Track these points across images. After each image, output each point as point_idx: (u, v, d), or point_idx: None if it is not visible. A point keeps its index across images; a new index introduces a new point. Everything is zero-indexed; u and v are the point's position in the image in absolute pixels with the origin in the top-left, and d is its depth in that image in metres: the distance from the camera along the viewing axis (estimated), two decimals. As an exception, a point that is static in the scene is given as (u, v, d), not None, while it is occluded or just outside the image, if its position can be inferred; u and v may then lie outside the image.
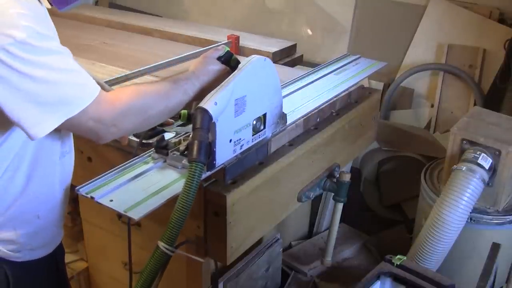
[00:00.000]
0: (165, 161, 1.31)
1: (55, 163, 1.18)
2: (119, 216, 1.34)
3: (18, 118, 0.97)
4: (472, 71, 2.61)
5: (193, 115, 1.16)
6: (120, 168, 1.27)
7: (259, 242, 1.79)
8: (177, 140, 1.38)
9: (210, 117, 1.15)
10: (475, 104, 2.54)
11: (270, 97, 1.36)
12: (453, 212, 1.64)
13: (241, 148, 1.32)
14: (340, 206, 1.63)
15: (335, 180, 1.61)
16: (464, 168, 1.69)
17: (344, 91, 1.80)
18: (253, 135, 1.34)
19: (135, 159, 1.31)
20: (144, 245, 1.50)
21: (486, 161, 1.71)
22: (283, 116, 1.44)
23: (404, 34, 2.79)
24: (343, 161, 1.88)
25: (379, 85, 2.79)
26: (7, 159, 1.09)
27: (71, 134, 1.23)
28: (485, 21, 2.57)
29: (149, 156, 1.33)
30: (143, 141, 1.46)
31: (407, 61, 2.79)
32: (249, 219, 1.42)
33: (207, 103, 1.15)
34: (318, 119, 1.69)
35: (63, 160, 1.21)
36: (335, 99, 1.76)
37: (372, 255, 2.19)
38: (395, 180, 2.59)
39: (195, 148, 1.12)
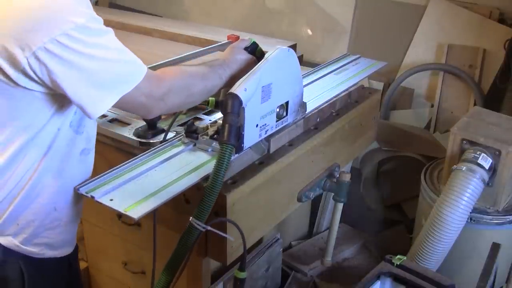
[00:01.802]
0: (194, 145, 1.41)
1: (78, 159, 1.21)
2: (119, 215, 1.35)
3: (79, 98, 1.04)
4: (472, 71, 2.61)
5: (224, 100, 1.24)
6: (120, 168, 1.28)
7: (259, 242, 1.79)
8: (204, 125, 1.47)
9: (240, 102, 1.24)
10: (475, 104, 2.53)
11: (292, 85, 1.46)
12: (453, 212, 1.64)
13: (266, 133, 1.41)
14: (340, 206, 1.63)
15: (335, 180, 1.61)
16: (464, 168, 1.69)
17: (344, 91, 1.80)
18: (276, 121, 1.44)
19: (165, 143, 1.39)
20: (144, 245, 1.50)
21: (486, 161, 1.71)
22: (303, 105, 1.54)
23: (404, 34, 2.79)
24: (343, 161, 1.88)
25: (379, 85, 2.79)
26: (38, 151, 1.12)
27: (95, 133, 1.27)
28: (485, 21, 2.56)
29: (179, 140, 1.43)
30: (143, 140, 1.46)
31: (407, 61, 2.78)
32: (249, 219, 1.42)
33: (238, 89, 1.24)
34: (318, 119, 1.69)
35: (85, 157, 1.24)
36: (335, 99, 1.76)
37: (372, 255, 2.19)
38: (395, 180, 2.59)
39: (226, 130, 1.21)
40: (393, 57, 2.76)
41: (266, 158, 1.48)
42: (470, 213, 1.69)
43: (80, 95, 1.04)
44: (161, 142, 1.42)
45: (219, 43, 2.24)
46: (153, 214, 1.22)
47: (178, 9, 3.51)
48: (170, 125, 1.46)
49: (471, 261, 1.83)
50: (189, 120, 1.55)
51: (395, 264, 1.36)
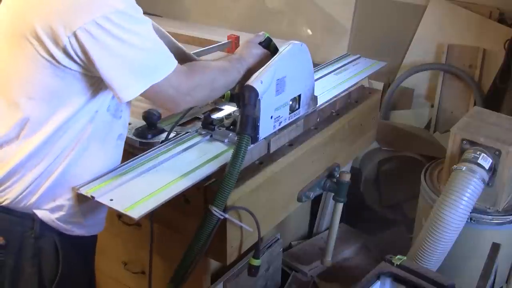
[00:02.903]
0: (211, 136, 1.46)
1: (114, 144, 1.25)
2: (119, 215, 1.35)
3: (111, 80, 1.08)
4: (472, 71, 2.61)
5: (242, 92, 1.30)
6: (121, 168, 1.28)
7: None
8: (220, 118, 1.54)
9: (257, 94, 1.30)
10: (475, 104, 2.53)
11: (305, 79, 1.52)
12: (453, 212, 1.64)
13: (279, 125, 1.47)
14: (340, 206, 1.63)
15: (335, 180, 1.61)
16: (464, 168, 1.68)
17: (344, 91, 1.80)
18: (289, 114, 1.49)
19: (182, 135, 1.44)
20: (144, 245, 1.49)
21: (486, 161, 1.71)
22: (314, 98, 1.60)
23: (404, 34, 2.79)
24: (343, 161, 1.88)
25: (379, 85, 2.79)
26: (75, 131, 1.15)
27: (129, 119, 1.30)
28: (485, 21, 2.56)
29: (196, 131, 1.48)
30: (143, 140, 1.46)
31: (407, 61, 2.79)
32: (249, 219, 1.42)
33: (254, 82, 1.30)
34: (318, 119, 1.69)
35: (121, 143, 1.28)
36: (335, 99, 1.76)
37: (372, 255, 2.19)
38: (395, 180, 2.59)
39: (244, 121, 1.28)
40: (393, 57, 2.76)
41: (266, 158, 1.48)
42: (470, 213, 1.68)
43: (112, 78, 1.08)
44: (161, 142, 1.42)
45: (219, 43, 2.24)
46: (150, 215, 1.22)
47: (178, 9, 3.51)
48: (173, 127, 1.47)
49: (471, 261, 1.83)
50: (181, 119, 1.56)
51: (395, 264, 1.36)
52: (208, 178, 1.32)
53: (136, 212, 1.12)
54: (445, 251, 1.69)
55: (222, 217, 1.24)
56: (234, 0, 3.33)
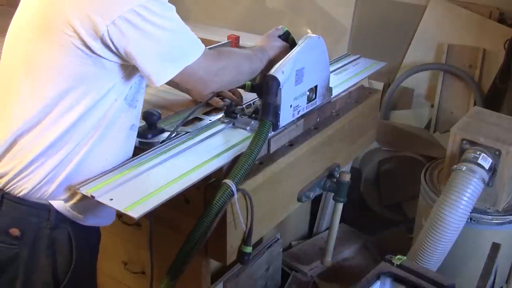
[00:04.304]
0: (233, 124, 1.53)
1: (127, 134, 1.27)
2: (119, 215, 1.35)
3: (147, 65, 1.13)
4: (472, 71, 2.61)
5: (264, 81, 1.38)
6: (121, 167, 1.28)
7: (259, 242, 1.79)
8: (241, 107, 1.61)
9: (279, 83, 1.37)
10: (475, 104, 2.53)
11: (321, 71, 1.60)
12: (453, 212, 1.64)
13: (298, 113, 1.54)
14: (340, 206, 1.62)
15: (335, 180, 1.60)
16: (464, 168, 1.68)
17: (344, 91, 1.80)
18: (307, 103, 1.56)
19: (181, 135, 1.45)
20: (144, 245, 1.49)
21: (486, 161, 1.71)
22: (329, 89, 1.67)
23: (404, 34, 2.79)
24: (343, 161, 1.88)
25: (379, 85, 2.79)
26: (95, 119, 1.17)
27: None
28: (485, 21, 2.56)
29: (219, 120, 1.55)
30: (144, 140, 1.46)
31: (407, 61, 2.79)
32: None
33: (276, 72, 1.38)
34: (318, 119, 1.69)
35: (133, 133, 1.30)
36: (335, 99, 1.76)
37: (372, 255, 2.19)
38: (395, 180, 2.59)
39: (266, 109, 1.38)
40: (393, 57, 2.76)
41: (266, 158, 1.48)
42: (470, 213, 1.69)
43: (148, 63, 1.13)
44: (161, 142, 1.42)
45: (219, 43, 2.24)
46: (149, 214, 1.22)
47: (178, 9, 3.49)
48: (177, 127, 1.47)
49: (471, 261, 1.83)
50: (185, 119, 1.56)
51: (395, 264, 1.35)
52: (208, 178, 1.32)
53: (136, 212, 1.12)
54: (445, 251, 1.69)
55: (233, 195, 1.25)
56: (234, 0, 3.33)
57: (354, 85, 1.86)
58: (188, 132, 1.48)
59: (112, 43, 1.09)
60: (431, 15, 2.70)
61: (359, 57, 2.11)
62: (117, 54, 1.12)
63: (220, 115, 1.59)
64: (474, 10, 2.59)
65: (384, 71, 2.44)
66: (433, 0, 2.68)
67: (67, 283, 1.25)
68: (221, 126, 1.52)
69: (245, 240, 1.38)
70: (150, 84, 1.18)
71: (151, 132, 1.48)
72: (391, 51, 2.80)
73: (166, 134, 1.46)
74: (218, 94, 1.63)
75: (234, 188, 1.25)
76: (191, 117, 1.56)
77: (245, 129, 1.50)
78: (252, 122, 1.50)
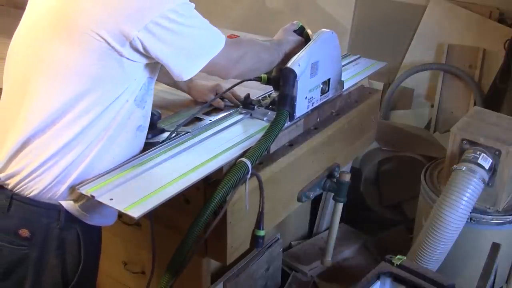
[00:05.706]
0: (251, 115, 1.58)
1: (134, 134, 1.27)
2: (119, 215, 1.35)
3: (176, 63, 1.19)
4: (472, 71, 2.61)
5: (282, 73, 1.44)
6: (121, 167, 1.27)
7: (259, 242, 1.79)
8: (257, 99, 1.66)
9: (295, 75, 1.44)
10: (475, 104, 2.53)
11: (334, 64, 1.65)
12: (453, 212, 1.64)
13: (312, 105, 1.59)
14: (340, 206, 1.62)
15: (335, 180, 1.60)
16: (464, 168, 1.68)
17: (344, 91, 1.80)
18: (320, 96, 1.62)
19: (181, 135, 1.46)
20: (144, 245, 1.49)
21: (486, 161, 1.71)
22: (341, 83, 1.73)
23: (404, 34, 2.79)
24: (343, 161, 1.88)
25: (379, 85, 2.79)
26: (107, 120, 1.18)
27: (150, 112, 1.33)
28: (485, 21, 2.56)
29: (236, 111, 1.61)
30: (144, 140, 1.45)
31: (407, 61, 2.79)
32: (249, 219, 1.42)
33: (293, 64, 1.44)
34: (318, 119, 1.69)
35: (140, 134, 1.30)
36: (335, 99, 1.76)
37: (372, 255, 2.19)
38: (395, 180, 2.59)
39: (283, 99, 1.44)
40: (393, 57, 2.76)
41: (266, 158, 1.48)
42: (470, 213, 1.69)
43: (178, 61, 1.19)
44: (161, 142, 1.42)
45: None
46: (149, 214, 1.22)
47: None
48: (177, 127, 1.47)
49: (471, 261, 1.83)
50: (187, 119, 1.56)
51: (395, 264, 1.36)
52: (208, 178, 1.32)
53: (136, 212, 1.12)
54: (445, 251, 1.69)
55: (248, 174, 1.28)
56: (235, 0, 3.33)
57: (354, 85, 1.86)
58: (188, 132, 1.48)
59: (143, 46, 1.13)
60: (431, 15, 2.70)
61: (359, 57, 2.10)
62: (145, 55, 1.16)
63: (221, 115, 1.59)
64: (474, 10, 2.59)
65: (384, 71, 2.44)
66: (433, 0, 2.69)
67: (76, 282, 1.26)
68: (240, 116, 1.58)
69: (258, 224, 1.38)
70: (177, 79, 1.23)
71: (151, 132, 1.48)
72: (391, 51, 2.80)
73: (166, 134, 1.46)
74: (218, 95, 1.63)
75: (250, 165, 1.28)
76: (178, 121, 1.56)
77: (262, 119, 1.55)
78: (269, 112, 1.55)
